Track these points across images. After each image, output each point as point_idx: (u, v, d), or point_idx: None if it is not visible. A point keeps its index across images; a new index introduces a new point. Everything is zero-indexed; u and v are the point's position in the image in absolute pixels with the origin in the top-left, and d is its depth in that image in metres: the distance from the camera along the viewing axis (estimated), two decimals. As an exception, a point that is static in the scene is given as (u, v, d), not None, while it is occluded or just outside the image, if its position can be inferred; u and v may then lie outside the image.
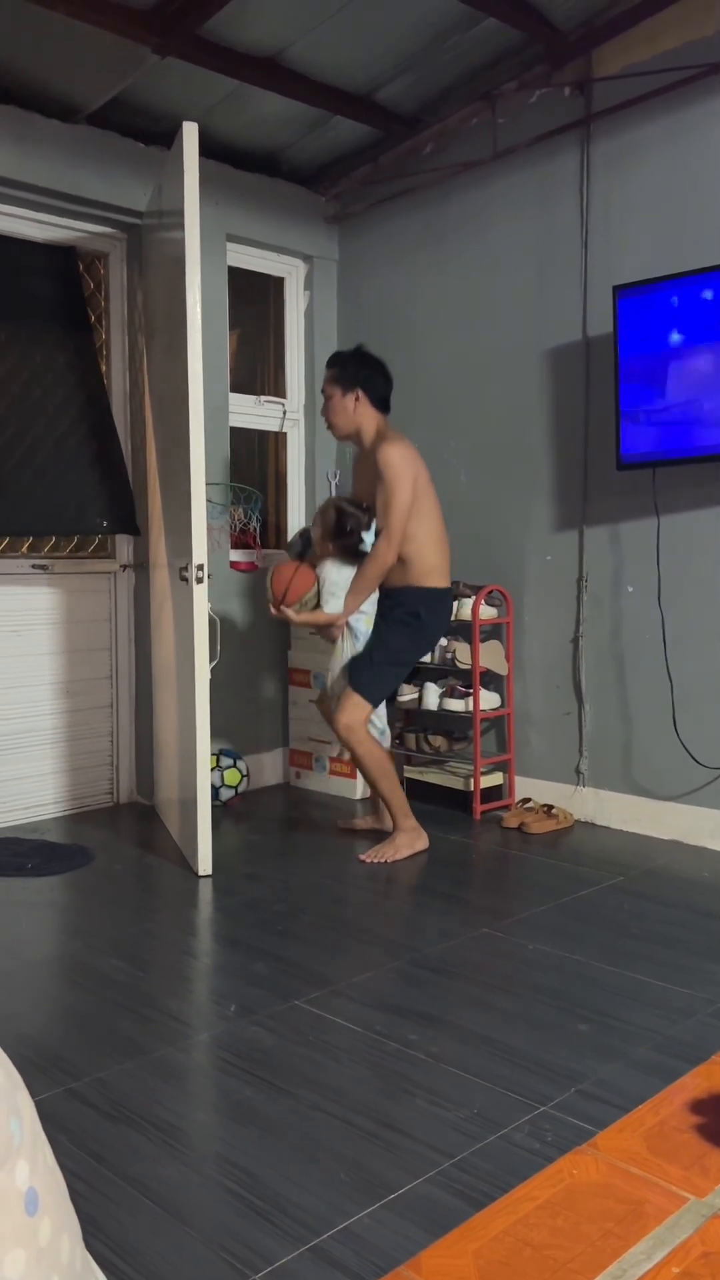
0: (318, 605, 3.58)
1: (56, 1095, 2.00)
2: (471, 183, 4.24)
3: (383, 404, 3.63)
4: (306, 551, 3.73)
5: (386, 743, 3.73)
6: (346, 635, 3.62)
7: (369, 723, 3.59)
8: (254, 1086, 2.03)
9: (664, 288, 3.44)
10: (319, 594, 3.58)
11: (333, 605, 3.56)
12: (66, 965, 2.68)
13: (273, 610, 3.63)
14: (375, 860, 3.51)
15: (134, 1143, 1.84)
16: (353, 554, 3.59)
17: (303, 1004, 2.40)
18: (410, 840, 3.59)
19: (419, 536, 3.53)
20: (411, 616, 3.56)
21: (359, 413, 3.59)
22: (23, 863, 3.45)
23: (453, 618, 4.08)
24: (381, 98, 4.09)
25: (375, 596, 3.62)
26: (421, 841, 3.61)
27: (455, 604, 4.10)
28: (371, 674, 3.55)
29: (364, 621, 3.61)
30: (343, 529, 3.56)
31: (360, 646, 3.60)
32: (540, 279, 4.02)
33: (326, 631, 3.67)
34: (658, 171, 3.65)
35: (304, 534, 3.82)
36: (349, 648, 3.62)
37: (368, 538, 3.57)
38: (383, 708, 3.71)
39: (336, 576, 3.57)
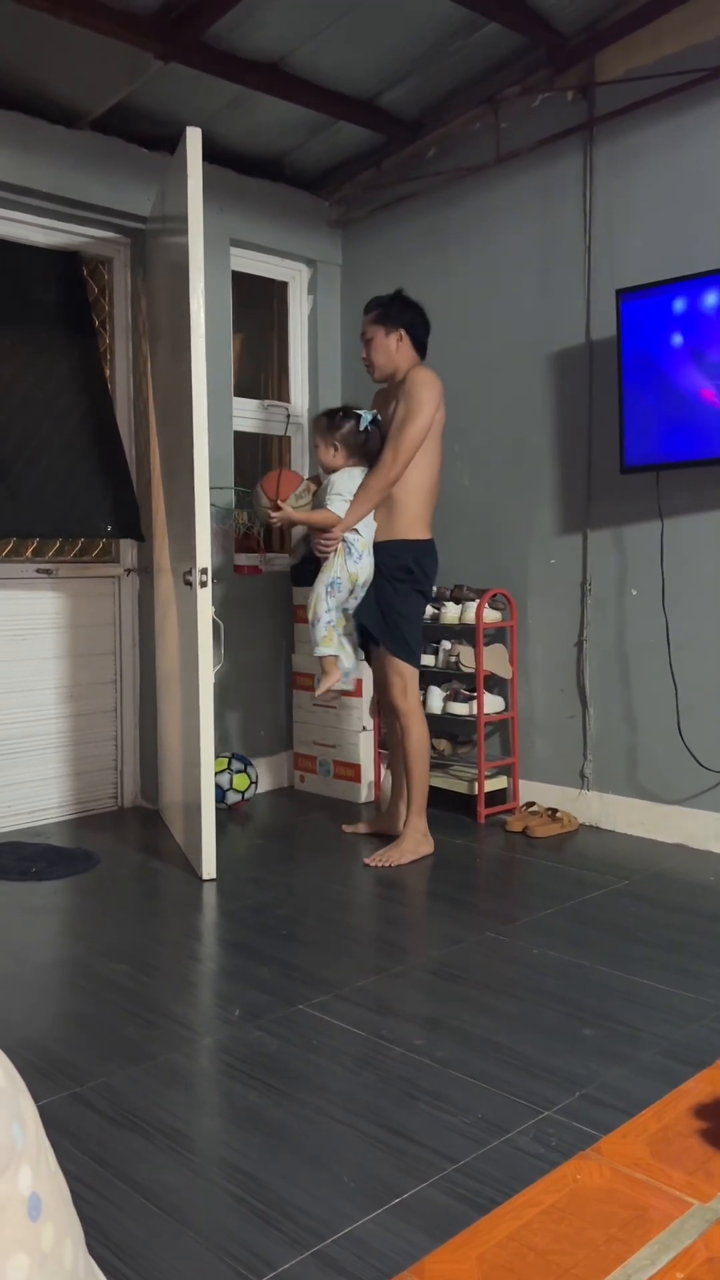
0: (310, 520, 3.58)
1: (61, 1100, 2.00)
2: (474, 187, 4.24)
3: (422, 348, 3.65)
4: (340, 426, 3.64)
5: (325, 649, 3.59)
6: (341, 550, 3.54)
7: (336, 650, 3.57)
8: (258, 1091, 2.03)
9: (667, 291, 3.44)
10: (311, 488, 3.59)
11: (337, 505, 3.52)
12: (71, 970, 2.68)
13: (271, 514, 3.61)
14: (380, 864, 3.51)
15: (138, 1148, 1.84)
16: (359, 449, 3.58)
17: (307, 1008, 2.39)
18: (416, 844, 3.59)
19: (411, 479, 3.52)
20: (403, 572, 3.56)
21: (400, 352, 3.60)
22: (27, 867, 3.45)
23: (457, 620, 4.10)
24: (385, 102, 4.10)
25: (371, 523, 3.58)
26: (427, 846, 3.61)
27: (460, 607, 4.11)
28: (399, 638, 3.55)
29: (359, 543, 3.54)
30: (335, 417, 3.60)
31: (352, 568, 3.53)
32: (544, 283, 4.03)
33: (319, 542, 3.58)
34: (661, 175, 3.65)
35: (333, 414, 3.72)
36: (340, 564, 3.53)
37: (365, 418, 3.57)
38: (326, 619, 3.59)
39: (345, 481, 3.55)
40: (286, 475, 3.63)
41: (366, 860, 3.54)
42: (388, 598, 3.56)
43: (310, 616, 3.60)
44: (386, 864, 3.51)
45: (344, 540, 3.54)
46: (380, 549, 3.58)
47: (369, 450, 3.60)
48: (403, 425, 3.45)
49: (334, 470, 3.60)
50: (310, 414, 4.82)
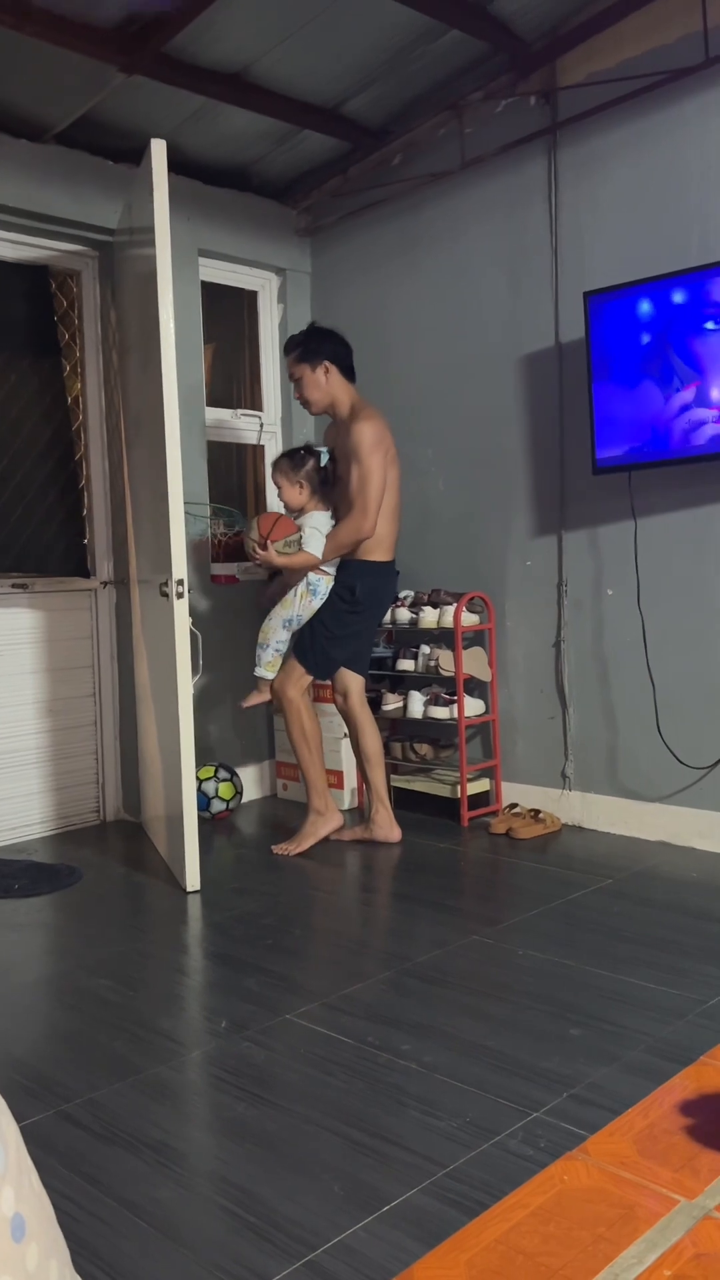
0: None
1: (48, 1118, 1.99)
2: (441, 192, 4.26)
3: (350, 372, 3.79)
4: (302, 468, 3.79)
5: (266, 673, 3.83)
6: (305, 592, 3.73)
7: (274, 675, 3.81)
8: (246, 1102, 2.02)
9: (634, 292, 3.47)
10: (298, 540, 3.68)
11: (314, 546, 3.67)
12: (56, 986, 2.66)
13: (257, 550, 3.71)
14: (282, 853, 3.72)
15: (127, 1163, 1.83)
16: (322, 485, 3.76)
17: (294, 1018, 2.39)
18: (315, 825, 3.79)
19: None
20: (346, 592, 3.73)
21: (331, 383, 3.74)
22: (10, 884, 3.43)
23: (435, 624, 4.11)
24: (349, 110, 4.11)
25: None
26: (326, 826, 3.80)
27: (438, 611, 4.12)
28: (310, 646, 3.76)
29: (324, 582, 3.74)
30: (296, 456, 3.74)
31: (315, 604, 3.74)
32: (512, 286, 4.05)
33: (284, 580, 3.79)
34: (625, 177, 3.68)
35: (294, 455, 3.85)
36: (301, 603, 3.73)
37: (323, 455, 3.75)
38: (276, 646, 3.82)
39: (323, 520, 3.71)
40: (284, 522, 3.72)
41: (273, 848, 3.78)
42: (321, 610, 3.75)
43: (260, 640, 3.82)
44: (285, 853, 3.71)
45: (307, 582, 3.72)
46: (338, 569, 3.76)
47: (327, 484, 3.78)
48: (362, 487, 3.62)
49: (299, 507, 3.76)
50: (284, 422, 4.83)
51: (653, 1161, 1.69)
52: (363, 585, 3.72)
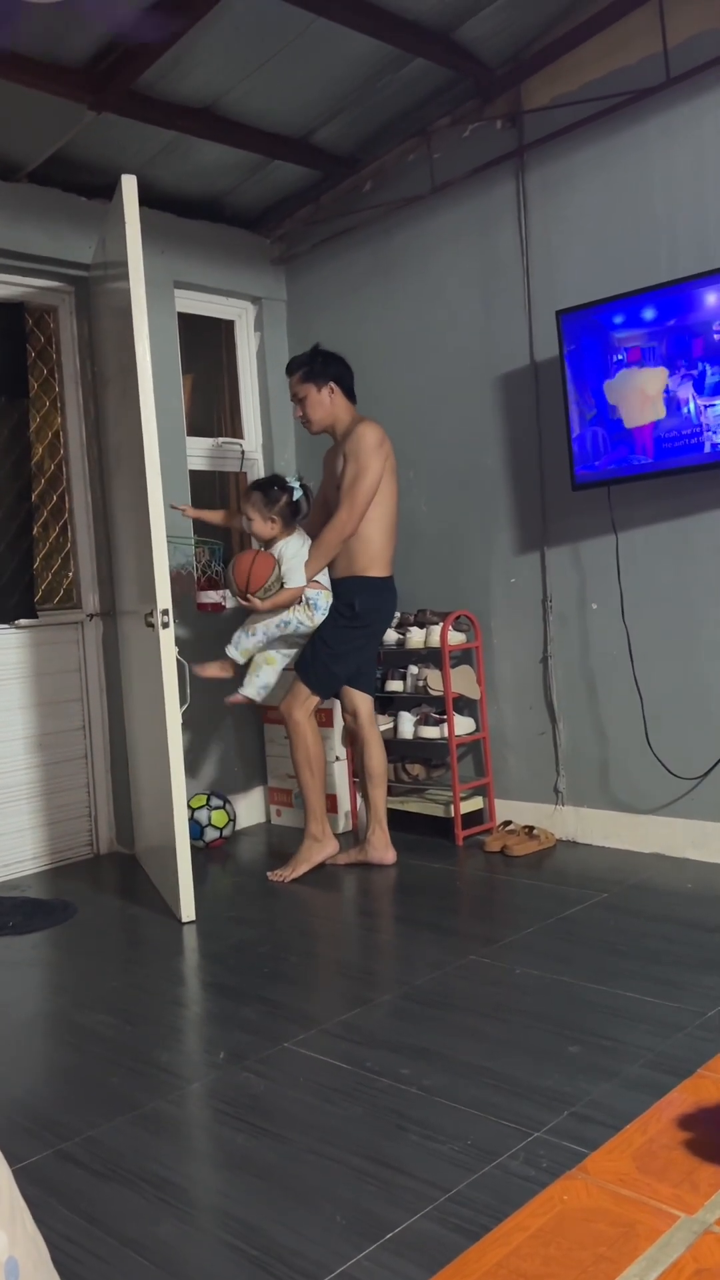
0: (282, 588, 3.70)
1: (46, 1157, 1.98)
2: (412, 217, 4.30)
3: (352, 394, 3.82)
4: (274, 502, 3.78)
5: (238, 656, 3.82)
6: (303, 606, 3.71)
7: (241, 663, 3.82)
8: (247, 1134, 2.01)
9: (605, 309, 3.50)
10: (281, 576, 3.68)
11: (296, 578, 3.67)
12: (52, 1023, 2.65)
13: (240, 602, 3.74)
14: (278, 879, 3.71)
15: (127, 1201, 1.82)
16: (297, 511, 3.77)
17: (292, 1046, 2.38)
18: (310, 850, 3.77)
19: (372, 518, 3.69)
20: (346, 608, 3.72)
21: (335, 404, 3.77)
22: (4, 922, 3.42)
23: (422, 644, 4.12)
24: (318, 140, 4.16)
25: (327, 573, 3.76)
26: (321, 852, 3.77)
27: (425, 631, 4.13)
28: (312, 663, 3.74)
29: (323, 596, 3.73)
30: (270, 493, 3.73)
31: (318, 617, 3.72)
32: (486, 307, 4.09)
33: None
34: (592, 196, 3.72)
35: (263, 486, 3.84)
36: (302, 615, 3.71)
37: (296, 489, 3.76)
38: (262, 636, 3.79)
39: (296, 548, 3.71)
40: (259, 564, 3.68)
41: (269, 875, 3.77)
42: (323, 626, 3.73)
43: (249, 629, 3.78)
44: (281, 879, 3.70)
45: (306, 598, 3.70)
46: (335, 585, 3.75)
47: (301, 514, 3.81)
48: (355, 483, 3.63)
49: (270, 538, 3.76)
50: (265, 450, 4.85)
51: (652, 1178, 1.68)
52: (362, 601, 3.71)
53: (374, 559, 3.71)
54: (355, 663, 3.79)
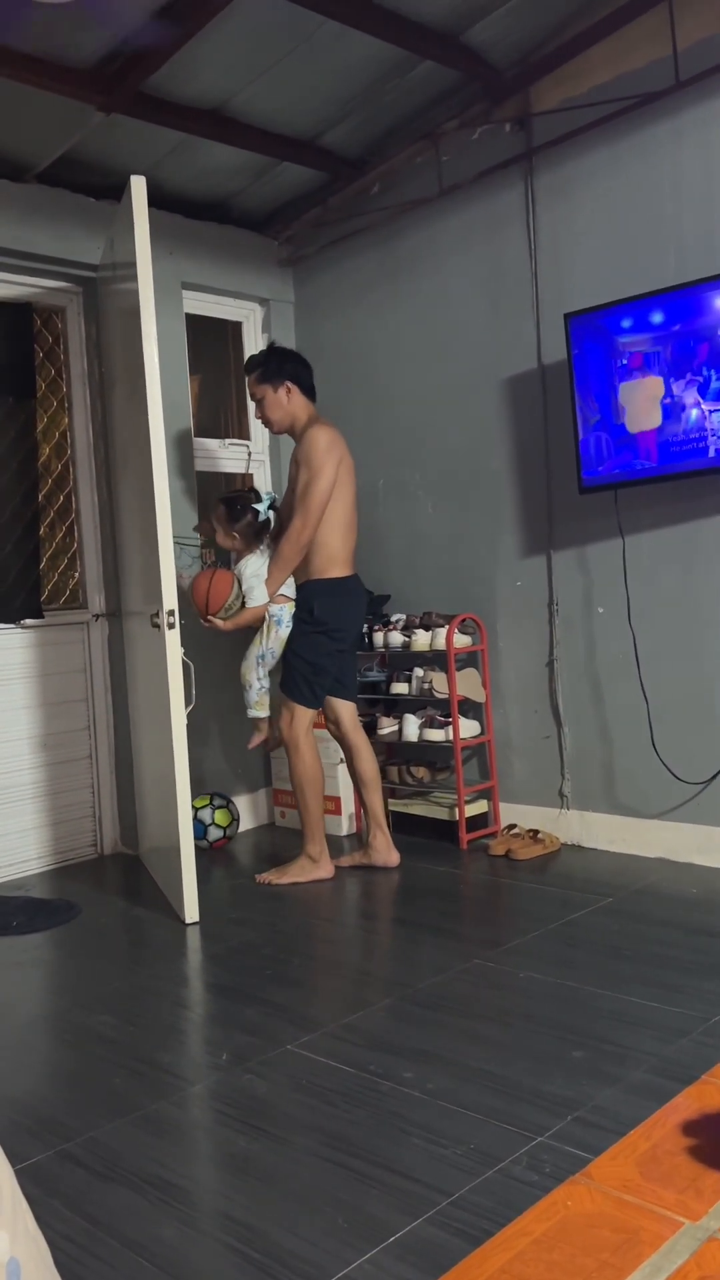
0: (244, 607, 3.71)
1: (48, 1158, 1.98)
2: (420, 220, 4.30)
3: (310, 392, 3.79)
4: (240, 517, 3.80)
5: (258, 711, 3.87)
6: (270, 624, 3.72)
7: (268, 713, 3.87)
8: (249, 1136, 2.01)
9: (614, 313, 3.50)
10: (242, 594, 3.69)
11: (257, 595, 3.68)
12: (55, 1024, 2.65)
13: (202, 623, 3.76)
14: (265, 881, 3.71)
15: (129, 1202, 1.82)
16: (260, 532, 3.76)
17: (295, 1048, 2.38)
18: (304, 868, 3.74)
19: (327, 521, 3.66)
20: (306, 614, 3.71)
21: (293, 403, 3.75)
22: (7, 921, 3.42)
23: (428, 647, 4.11)
24: (327, 142, 4.16)
25: (291, 583, 3.75)
26: (315, 873, 3.73)
27: (430, 634, 4.13)
28: (293, 680, 3.73)
29: (287, 609, 3.73)
30: (234, 509, 3.75)
31: (284, 633, 3.72)
32: (494, 310, 4.08)
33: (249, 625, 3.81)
34: (600, 200, 3.72)
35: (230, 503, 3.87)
36: (271, 637, 3.73)
37: (261, 507, 3.75)
38: (258, 684, 3.83)
39: (257, 567, 3.71)
40: (217, 584, 3.69)
41: (257, 877, 3.77)
42: (291, 639, 3.74)
43: (243, 683, 3.84)
44: (268, 882, 3.72)
45: (270, 614, 3.71)
46: (296, 591, 3.76)
47: (263, 533, 3.79)
48: (306, 490, 3.61)
49: (230, 550, 3.80)
50: (272, 451, 4.85)
51: (656, 1184, 1.68)
52: (320, 604, 3.68)
53: (331, 560, 3.68)
54: (332, 671, 3.75)
